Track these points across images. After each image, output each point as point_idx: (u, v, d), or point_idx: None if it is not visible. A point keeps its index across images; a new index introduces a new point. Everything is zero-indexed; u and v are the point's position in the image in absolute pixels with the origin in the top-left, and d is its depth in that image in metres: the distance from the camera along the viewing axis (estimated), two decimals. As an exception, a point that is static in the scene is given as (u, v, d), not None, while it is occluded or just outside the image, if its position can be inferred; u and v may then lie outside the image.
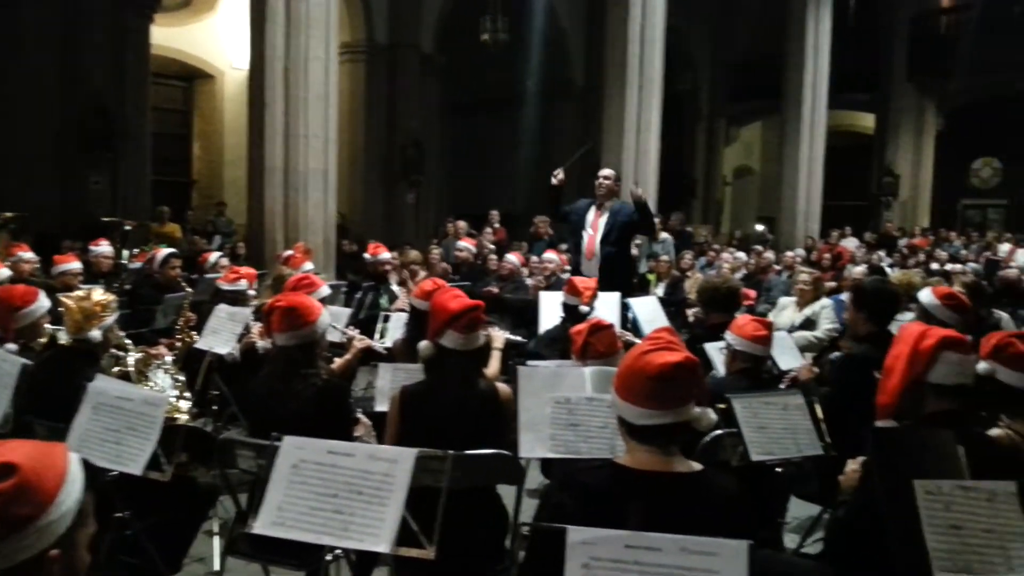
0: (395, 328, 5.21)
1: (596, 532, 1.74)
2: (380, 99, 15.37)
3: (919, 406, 2.61)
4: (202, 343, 4.98)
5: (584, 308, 5.20)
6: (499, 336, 4.69)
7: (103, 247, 7.68)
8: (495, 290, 7.80)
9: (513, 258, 8.51)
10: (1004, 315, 5.56)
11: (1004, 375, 2.85)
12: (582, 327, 3.62)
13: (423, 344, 3.24)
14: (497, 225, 12.78)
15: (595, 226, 6.69)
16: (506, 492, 3.16)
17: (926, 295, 4.14)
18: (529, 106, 17.82)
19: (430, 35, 16.07)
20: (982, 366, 2.97)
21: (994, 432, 2.90)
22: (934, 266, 11.46)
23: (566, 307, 5.34)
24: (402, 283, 7.92)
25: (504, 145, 18.05)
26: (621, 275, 6.62)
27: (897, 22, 19.30)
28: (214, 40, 15.44)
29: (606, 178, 6.75)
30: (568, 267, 8.93)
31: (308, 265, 7.02)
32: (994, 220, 20.07)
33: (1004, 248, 13.95)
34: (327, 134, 9.18)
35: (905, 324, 2.84)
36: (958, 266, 10.65)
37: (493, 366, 4.45)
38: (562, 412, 3.05)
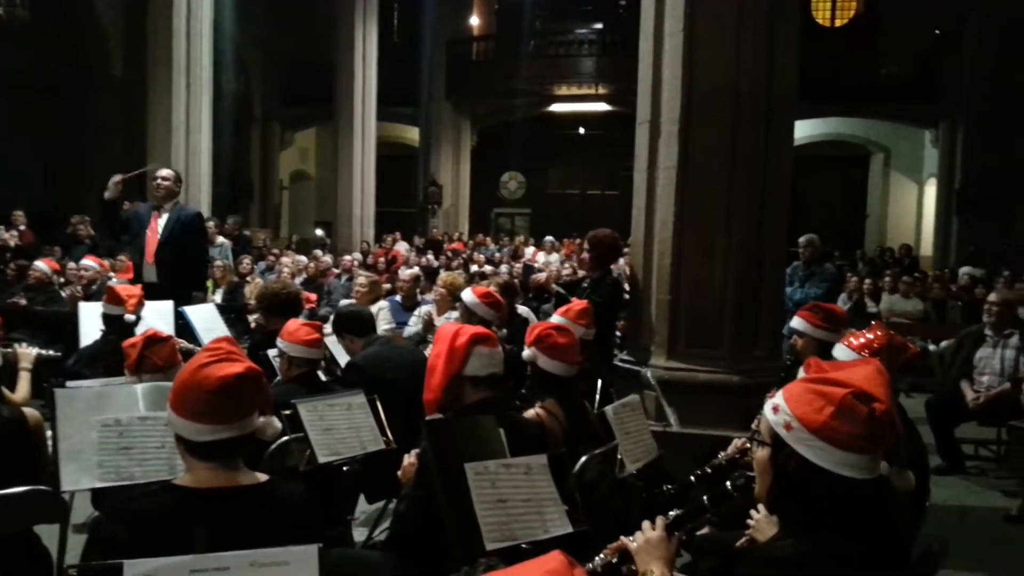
0: None
1: (155, 562, 1.63)
2: None
3: (460, 398, 2.89)
4: None
5: (129, 317, 4.81)
6: (27, 354, 4.15)
7: None
8: (23, 302, 6.84)
9: (43, 265, 7.51)
10: (527, 310, 6.37)
11: (543, 362, 3.31)
12: (136, 339, 3.33)
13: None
14: (23, 227, 11.17)
15: (154, 229, 6.27)
16: (48, 532, 2.80)
17: (467, 295, 4.58)
18: (60, 94, 15.81)
19: (-76, 2, 13.39)
20: (526, 352, 3.40)
21: (530, 412, 3.33)
22: (474, 268, 12.70)
23: (107, 318, 4.87)
24: None
25: (30, 136, 15.78)
26: (184, 278, 6.28)
27: (436, 44, 20.95)
28: None
29: (164, 179, 6.37)
30: (111, 273, 8.19)
31: None
32: (521, 227, 22.94)
33: (529, 251, 16.03)
34: None
35: (442, 325, 3.11)
36: (489, 267, 11.95)
37: (22, 389, 3.96)
38: (111, 436, 2.80)
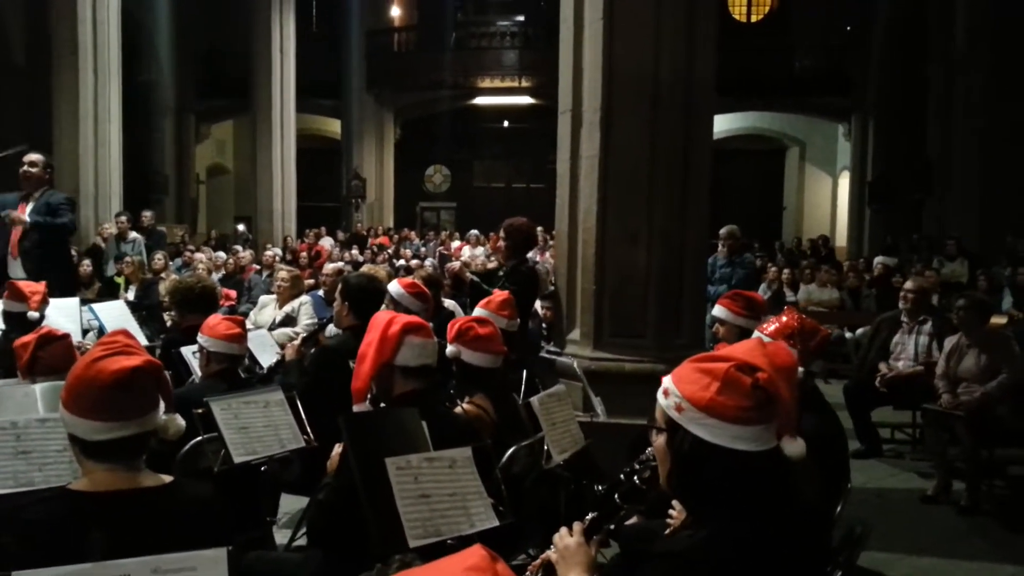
0: None
1: (47, 572, 1.50)
2: None
3: (390, 388, 2.80)
4: None
5: (33, 315, 4.56)
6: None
7: None
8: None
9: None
10: (454, 303, 6.30)
11: (467, 356, 3.24)
12: (28, 339, 3.15)
13: None
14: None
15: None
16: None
17: (394, 286, 4.48)
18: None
19: None
20: (449, 349, 3.32)
21: (458, 409, 3.26)
22: (400, 262, 12.55)
23: (8, 315, 4.62)
24: None
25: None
26: (55, 273, 5.87)
27: (355, 34, 20.50)
28: None
29: (32, 164, 5.98)
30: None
31: None
32: (447, 221, 22.77)
33: (455, 245, 15.95)
34: None
35: (376, 314, 3.01)
36: (416, 261, 11.84)
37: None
38: (8, 439, 2.61)
